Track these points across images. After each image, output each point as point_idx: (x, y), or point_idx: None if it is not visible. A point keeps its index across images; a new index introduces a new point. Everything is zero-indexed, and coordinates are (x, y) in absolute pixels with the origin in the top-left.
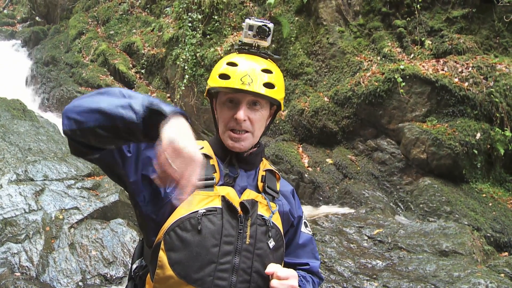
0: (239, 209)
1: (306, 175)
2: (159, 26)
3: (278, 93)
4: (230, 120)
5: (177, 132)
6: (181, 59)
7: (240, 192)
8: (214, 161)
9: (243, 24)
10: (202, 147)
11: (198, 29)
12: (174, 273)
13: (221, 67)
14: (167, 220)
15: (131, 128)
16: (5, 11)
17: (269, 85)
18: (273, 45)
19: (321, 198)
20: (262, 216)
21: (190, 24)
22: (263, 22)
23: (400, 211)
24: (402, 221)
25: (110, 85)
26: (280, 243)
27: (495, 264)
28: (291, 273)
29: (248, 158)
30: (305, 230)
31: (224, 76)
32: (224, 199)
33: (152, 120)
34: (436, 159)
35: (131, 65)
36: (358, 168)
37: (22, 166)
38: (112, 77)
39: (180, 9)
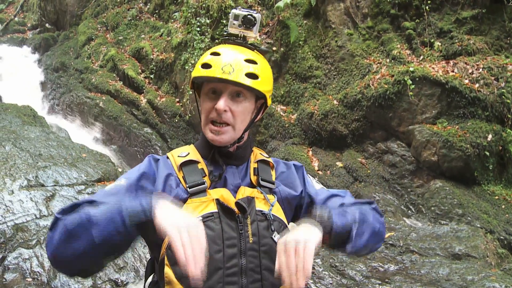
0: (235, 209)
1: (316, 179)
2: (168, 31)
3: (262, 85)
4: (211, 111)
5: (171, 218)
6: (190, 64)
7: (234, 191)
8: (202, 164)
9: (230, 14)
10: (188, 153)
11: (207, 34)
12: (183, 286)
13: (205, 57)
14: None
15: (130, 237)
16: (16, 18)
17: (252, 76)
18: (281, 49)
19: None
20: (262, 211)
21: (198, 29)
22: (249, 11)
23: (412, 214)
24: (414, 224)
25: (120, 90)
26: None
27: (509, 268)
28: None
29: (235, 153)
30: (319, 186)
31: (206, 66)
32: (218, 202)
33: (142, 220)
34: (447, 161)
35: (140, 70)
36: (369, 171)
37: (33, 172)
38: (121, 82)
39: (189, 14)
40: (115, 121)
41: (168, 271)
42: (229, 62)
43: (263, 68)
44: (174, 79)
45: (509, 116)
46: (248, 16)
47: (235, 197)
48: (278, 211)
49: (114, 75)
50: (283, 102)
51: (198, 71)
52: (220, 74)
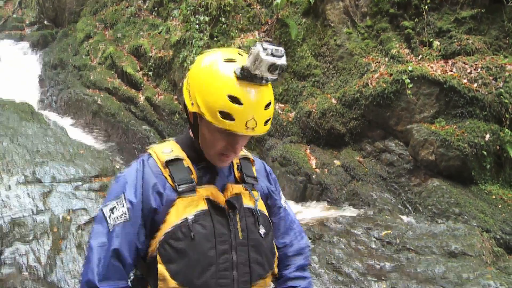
0: (225, 207)
1: (313, 177)
2: (167, 29)
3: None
4: (224, 147)
5: None
6: (189, 62)
7: (222, 188)
8: (187, 161)
9: (251, 50)
10: (171, 149)
11: (206, 32)
12: (177, 283)
13: (220, 98)
14: (158, 233)
15: None
16: (14, 15)
17: (268, 120)
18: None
19: (328, 200)
20: (249, 207)
21: (197, 27)
22: (275, 57)
23: (409, 213)
24: (411, 223)
25: (118, 88)
26: (269, 228)
27: (505, 266)
28: None
29: None
30: (283, 201)
31: (226, 116)
32: (209, 200)
33: None
34: (445, 160)
35: (138, 68)
36: (366, 169)
37: (30, 168)
38: (120, 80)
39: (187, 12)
40: (113, 118)
41: (161, 268)
42: (253, 115)
43: (273, 104)
44: (173, 77)
45: (507, 116)
46: (277, 65)
47: (222, 194)
48: (262, 207)
49: (112, 72)
50: (281, 100)
51: (216, 119)
52: (245, 131)
